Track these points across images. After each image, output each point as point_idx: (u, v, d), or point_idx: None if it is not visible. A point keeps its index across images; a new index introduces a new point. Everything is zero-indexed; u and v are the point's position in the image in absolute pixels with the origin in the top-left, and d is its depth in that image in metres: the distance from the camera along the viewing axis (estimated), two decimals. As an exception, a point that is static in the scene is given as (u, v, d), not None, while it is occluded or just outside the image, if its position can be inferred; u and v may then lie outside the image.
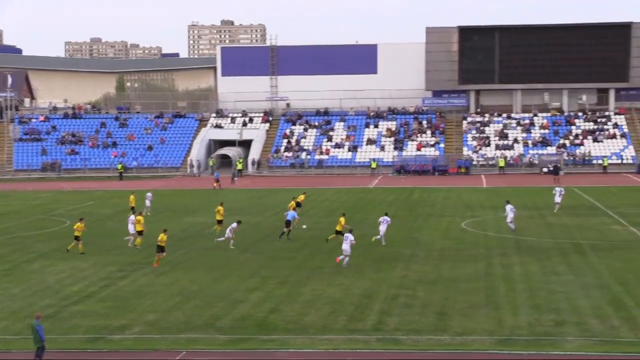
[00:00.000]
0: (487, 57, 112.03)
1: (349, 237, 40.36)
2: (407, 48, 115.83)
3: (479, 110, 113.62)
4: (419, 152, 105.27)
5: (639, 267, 38.88)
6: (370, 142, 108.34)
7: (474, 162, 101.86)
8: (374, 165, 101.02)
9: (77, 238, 44.75)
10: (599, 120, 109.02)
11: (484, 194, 74.90)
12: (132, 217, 48.73)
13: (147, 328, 29.47)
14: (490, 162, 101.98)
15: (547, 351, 26.20)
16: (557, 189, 62.65)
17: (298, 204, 58.02)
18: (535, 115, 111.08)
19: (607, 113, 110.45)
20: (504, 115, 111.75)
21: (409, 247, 45.39)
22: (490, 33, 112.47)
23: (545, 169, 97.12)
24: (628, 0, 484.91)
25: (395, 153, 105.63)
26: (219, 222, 50.98)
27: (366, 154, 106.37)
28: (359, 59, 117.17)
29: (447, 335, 27.93)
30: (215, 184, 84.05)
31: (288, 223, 49.21)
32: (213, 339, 28.14)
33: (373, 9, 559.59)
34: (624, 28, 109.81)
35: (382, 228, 46.44)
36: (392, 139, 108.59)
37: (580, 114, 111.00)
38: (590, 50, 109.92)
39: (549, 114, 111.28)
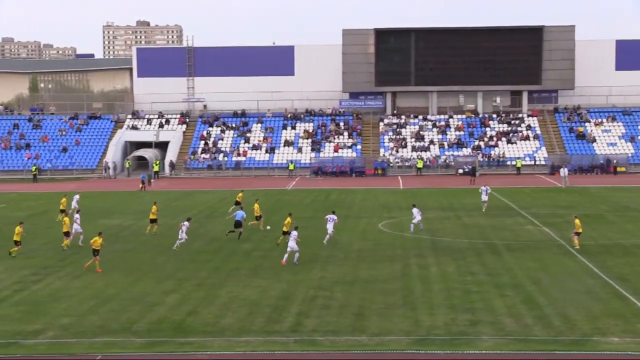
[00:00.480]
0: (403, 59, 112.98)
1: (294, 233, 41.29)
2: (324, 50, 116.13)
3: (395, 112, 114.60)
4: (336, 154, 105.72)
5: (551, 267, 39.67)
6: (287, 143, 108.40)
7: (391, 164, 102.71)
8: (291, 166, 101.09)
9: (16, 243, 44.30)
10: (512, 122, 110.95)
11: (401, 195, 75.51)
12: (76, 215, 49.12)
13: (61, 332, 28.95)
14: (407, 164, 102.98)
15: (462, 350, 26.52)
16: (483, 187, 63.43)
17: (237, 203, 59.03)
18: (451, 117, 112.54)
19: (520, 115, 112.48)
20: (420, 117, 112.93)
21: (326, 249, 45.51)
22: (406, 35, 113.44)
23: (460, 170, 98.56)
24: (540, 4, 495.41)
25: (313, 154, 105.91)
26: (153, 221, 51.95)
27: (283, 155, 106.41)
28: (276, 60, 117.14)
29: (365, 336, 28.06)
30: (141, 185, 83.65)
31: (238, 224, 49.20)
32: (129, 342, 27.79)
33: (290, 10, 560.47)
34: (536, 31, 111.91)
35: (330, 226, 47.42)
36: (310, 140, 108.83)
37: (494, 115, 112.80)
38: (503, 53, 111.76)
39: (464, 116, 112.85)
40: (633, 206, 64.77)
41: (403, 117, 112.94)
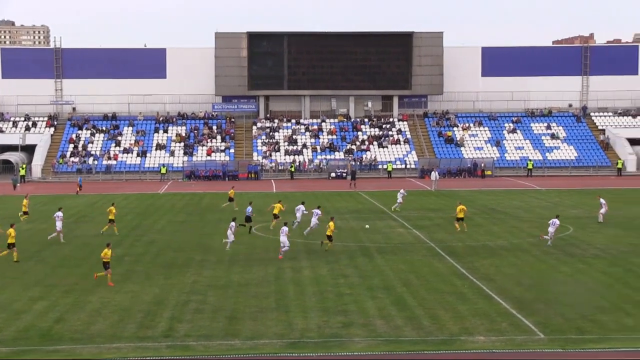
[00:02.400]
0: (276, 63, 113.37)
1: (285, 229, 44.05)
2: (197, 53, 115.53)
3: (268, 115, 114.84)
4: (209, 158, 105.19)
5: (421, 268, 40.43)
6: (159, 147, 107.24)
7: (266, 168, 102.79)
8: (163, 170, 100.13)
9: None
10: (383, 126, 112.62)
11: (274, 199, 75.47)
12: (59, 213, 50.39)
13: None
14: (280, 168, 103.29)
15: (335, 352, 26.74)
16: (402, 191, 66.08)
17: (230, 199, 66.08)
18: (324, 121, 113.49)
19: (391, 119, 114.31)
20: (293, 120, 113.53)
21: (199, 253, 45.23)
22: (279, 39, 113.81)
23: (333, 174, 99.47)
24: (410, 10, 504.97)
25: (185, 158, 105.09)
26: (111, 221, 52.92)
27: (155, 159, 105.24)
28: (148, 63, 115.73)
29: (238, 340, 28.01)
30: (78, 189, 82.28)
31: (248, 219, 53.06)
32: (-6, 352, 26.99)
33: (162, 12, 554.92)
34: (406, 37, 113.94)
35: (314, 219, 51.41)
36: (182, 144, 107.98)
37: (366, 120, 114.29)
38: (375, 59, 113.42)
39: (336, 120, 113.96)
40: (499, 209, 66.66)
41: (276, 120, 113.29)
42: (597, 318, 30.52)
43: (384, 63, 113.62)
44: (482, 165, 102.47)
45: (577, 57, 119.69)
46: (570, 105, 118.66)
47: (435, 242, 48.55)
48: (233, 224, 47.17)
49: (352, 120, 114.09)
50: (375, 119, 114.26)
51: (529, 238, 50.01)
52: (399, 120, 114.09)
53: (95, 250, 46.17)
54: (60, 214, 50.59)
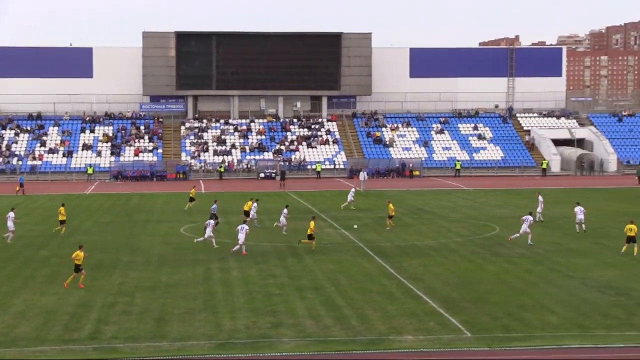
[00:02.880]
0: (204, 63, 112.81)
1: (245, 227, 44.53)
2: (124, 52, 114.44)
3: (196, 115, 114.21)
4: (136, 158, 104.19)
5: (350, 268, 40.58)
6: (86, 147, 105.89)
7: (195, 168, 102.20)
8: (90, 171, 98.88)
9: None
10: (312, 126, 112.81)
11: (203, 200, 75.08)
12: (11, 213, 49.70)
13: None
14: (209, 168, 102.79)
15: (264, 353, 26.69)
16: (352, 190, 67.81)
17: (191, 199, 66.47)
18: (252, 121, 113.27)
19: (320, 120, 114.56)
20: (222, 121, 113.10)
21: (127, 254, 44.78)
22: (208, 39, 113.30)
23: (262, 174, 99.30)
24: (339, 11, 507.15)
25: (113, 158, 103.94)
26: (62, 222, 52.44)
27: (82, 159, 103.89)
28: (74, 62, 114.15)
29: (166, 341, 27.77)
30: (17, 189, 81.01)
31: (214, 217, 52.82)
32: None
33: (89, 12, 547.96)
34: (335, 38, 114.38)
35: (282, 219, 52.41)
36: (109, 144, 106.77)
37: (295, 120, 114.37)
38: (304, 59, 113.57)
39: (265, 120, 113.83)
40: (427, 209, 67.27)
41: (204, 121, 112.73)
42: (522, 316, 30.97)
43: (313, 63, 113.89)
44: (411, 165, 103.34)
45: (503, 59, 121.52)
46: (496, 106, 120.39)
47: (364, 242, 48.78)
48: (211, 222, 47.36)
49: (281, 120, 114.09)
50: (304, 120, 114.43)
51: (456, 238, 50.56)
52: (327, 121, 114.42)
53: (21, 251, 45.46)
54: (12, 214, 49.80)
